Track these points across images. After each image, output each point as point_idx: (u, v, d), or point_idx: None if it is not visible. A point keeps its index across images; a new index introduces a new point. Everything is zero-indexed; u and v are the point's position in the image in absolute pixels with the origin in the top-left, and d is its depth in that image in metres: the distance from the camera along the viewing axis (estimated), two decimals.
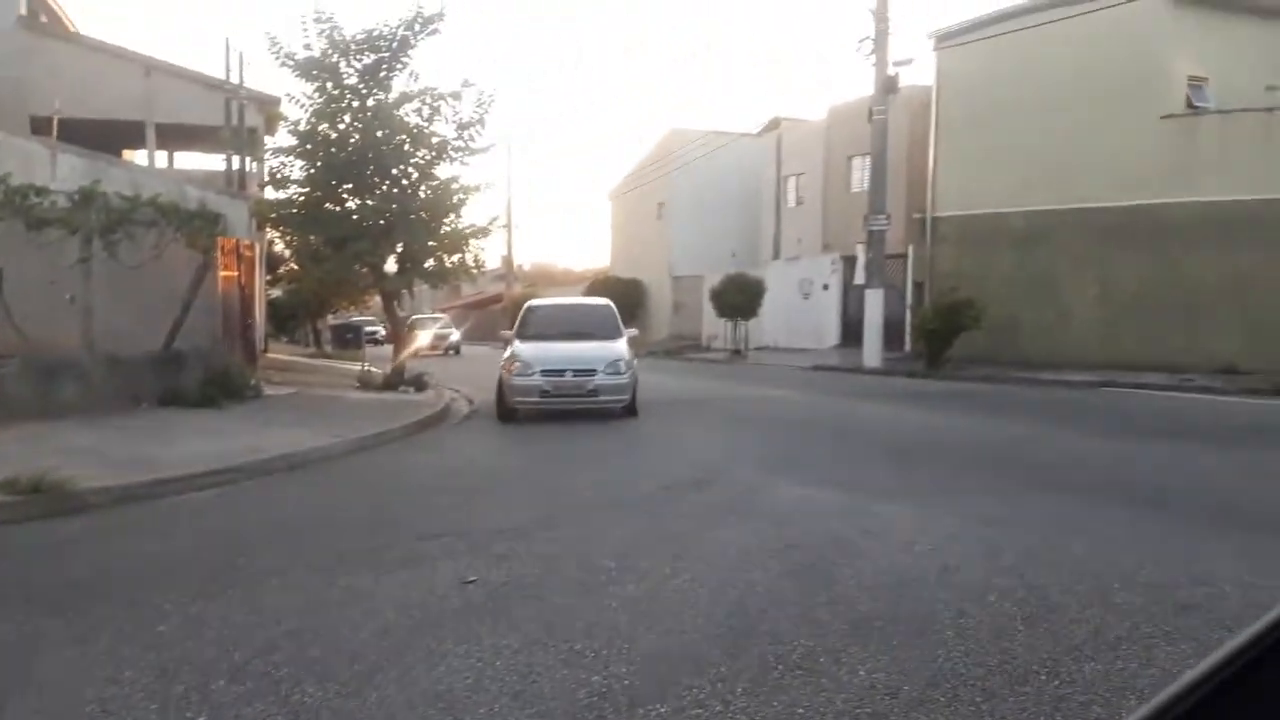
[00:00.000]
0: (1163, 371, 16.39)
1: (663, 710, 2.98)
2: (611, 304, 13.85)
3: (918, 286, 22.96)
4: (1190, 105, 18.90)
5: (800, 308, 29.33)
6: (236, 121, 22.40)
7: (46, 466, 6.52)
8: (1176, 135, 18.53)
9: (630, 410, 11.38)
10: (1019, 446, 8.93)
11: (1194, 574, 4.41)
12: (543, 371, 11.14)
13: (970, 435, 9.77)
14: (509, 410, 11.35)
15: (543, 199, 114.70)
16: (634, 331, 13.81)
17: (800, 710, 2.98)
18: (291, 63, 14.47)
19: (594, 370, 11.14)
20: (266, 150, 16.50)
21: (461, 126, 15.09)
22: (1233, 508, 5.96)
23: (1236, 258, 17.42)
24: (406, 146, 14.87)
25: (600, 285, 39.81)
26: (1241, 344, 16.86)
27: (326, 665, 3.39)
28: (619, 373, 11.26)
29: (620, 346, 11.97)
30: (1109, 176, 18.96)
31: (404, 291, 18.41)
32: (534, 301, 14.85)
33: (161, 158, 27.39)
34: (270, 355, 25.07)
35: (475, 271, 16.67)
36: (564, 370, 11.16)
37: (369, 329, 32.42)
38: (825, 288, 28.76)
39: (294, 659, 3.46)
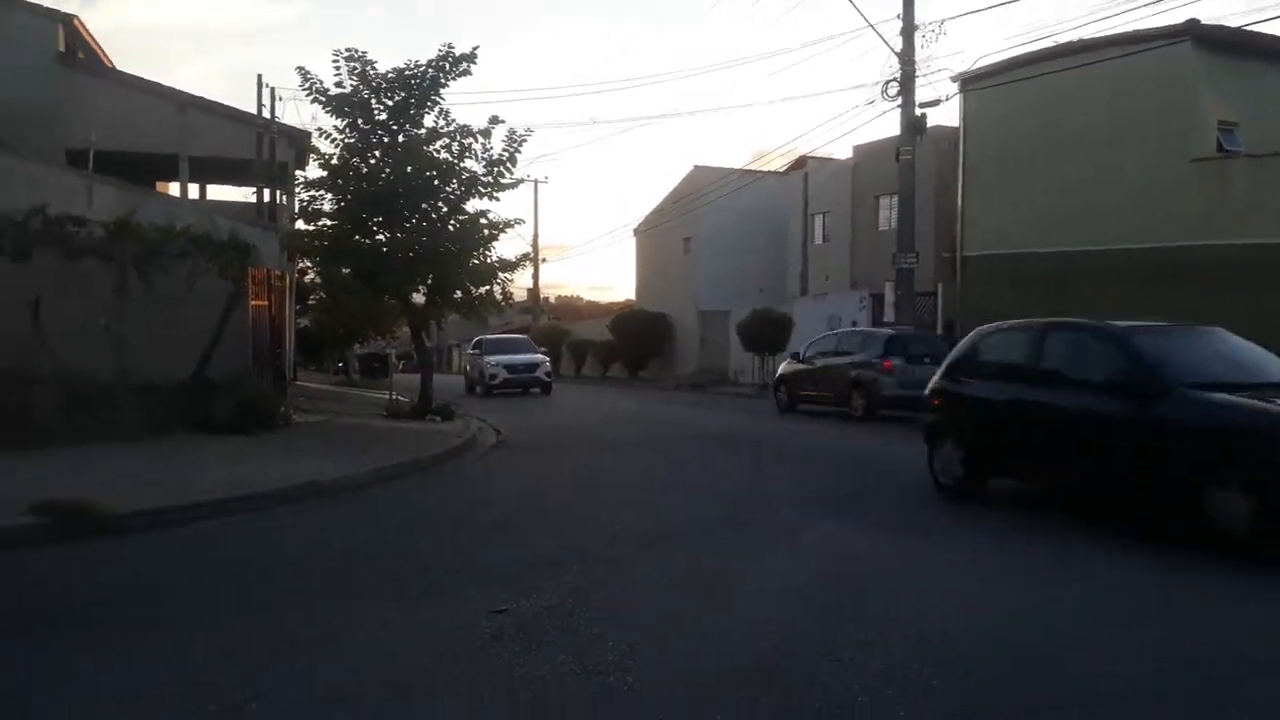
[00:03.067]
0: None
1: None
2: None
3: (948, 325, 22.83)
4: (1220, 149, 18.81)
5: None
6: (268, 155, 22.78)
7: (81, 490, 6.58)
8: (1207, 179, 18.43)
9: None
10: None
11: None
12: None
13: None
14: None
15: (570, 233, 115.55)
16: None
17: None
18: (323, 98, 14.70)
19: None
20: (297, 183, 16.71)
21: (491, 163, 15.24)
22: None
23: (1269, 301, 17.22)
24: (436, 182, 15.02)
25: (626, 319, 39.92)
26: None
27: (355, 693, 3.36)
28: None
29: None
30: (1139, 218, 18.87)
31: (433, 322, 18.52)
32: None
33: (194, 190, 27.86)
34: (299, 383, 25.25)
35: (503, 304, 16.74)
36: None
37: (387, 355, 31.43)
38: (854, 324, 28.68)
39: (326, 689, 3.43)
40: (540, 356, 25.56)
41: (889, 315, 21.98)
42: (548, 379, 24.95)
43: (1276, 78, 19.17)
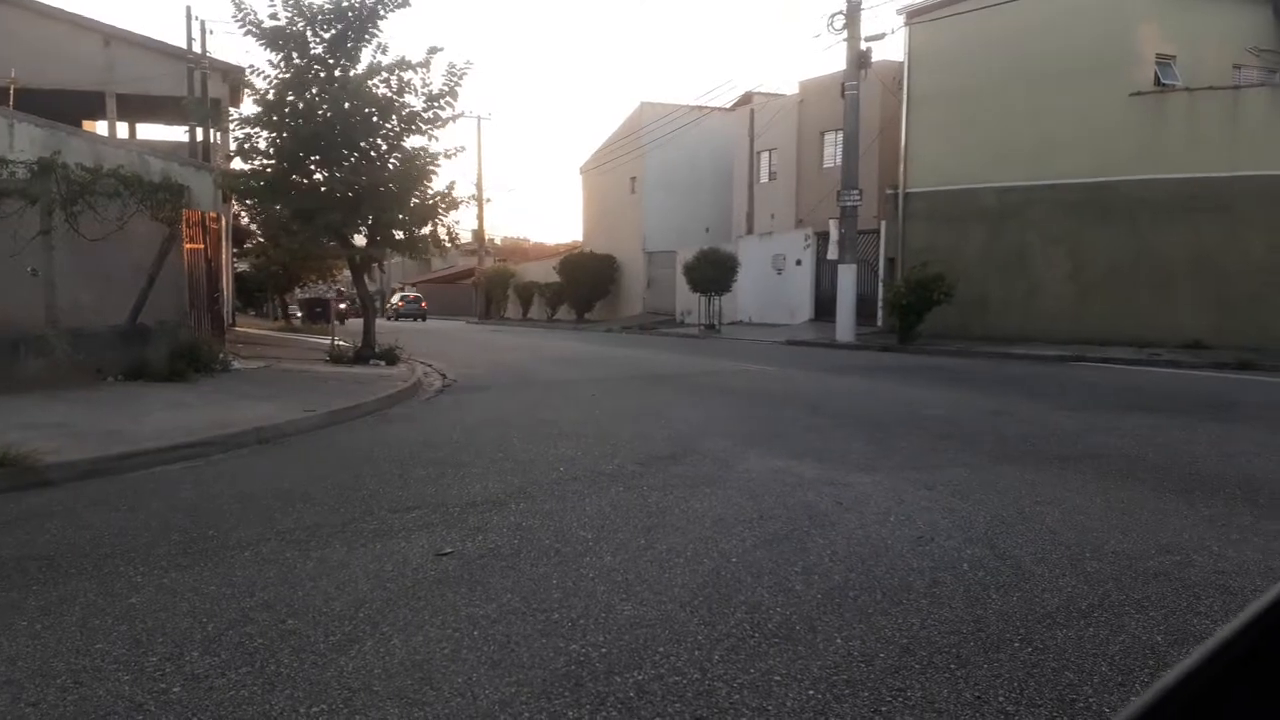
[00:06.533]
0: (1131, 346, 16.64)
1: (640, 677, 2.99)
2: None
3: (890, 262, 23.10)
4: (1158, 83, 19.07)
5: (774, 283, 29.46)
6: (200, 92, 22.04)
7: (11, 440, 6.42)
8: (1146, 112, 18.70)
9: None
10: (990, 419, 9.02)
11: (1162, 543, 4.49)
12: None
13: (942, 408, 9.86)
14: None
15: (514, 173, 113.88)
16: None
17: (777, 677, 2.99)
18: (257, 30, 14.19)
19: None
20: (232, 121, 16.20)
21: (431, 98, 14.90)
22: (1200, 479, 6.05)
23: (1203, 234, 17.69)
24: (375, 119, 14.67)
25: (573, 261, 39.70)
26: (1208, 319, 17.16)
27: (302, 636, 3.37)
28: None
29: None
30: (1081, 153, 19.13)
31: (375, 265, 18.23)
32: None
33: (123, 129, 26.94)
34: (238, 329, 24.82)
35: (447, 244, 16.52)
36: None
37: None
38: (798, 263, 28.88)
39: (269, 629, 3.43)
40: None
41: (833, 253, 22.15)
42: None
43: (1212, 10, 19.41)
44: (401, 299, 52.08)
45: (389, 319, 46.48)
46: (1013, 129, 20.06)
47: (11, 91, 19.98)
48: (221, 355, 13.18)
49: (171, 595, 3.83)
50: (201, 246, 14.17)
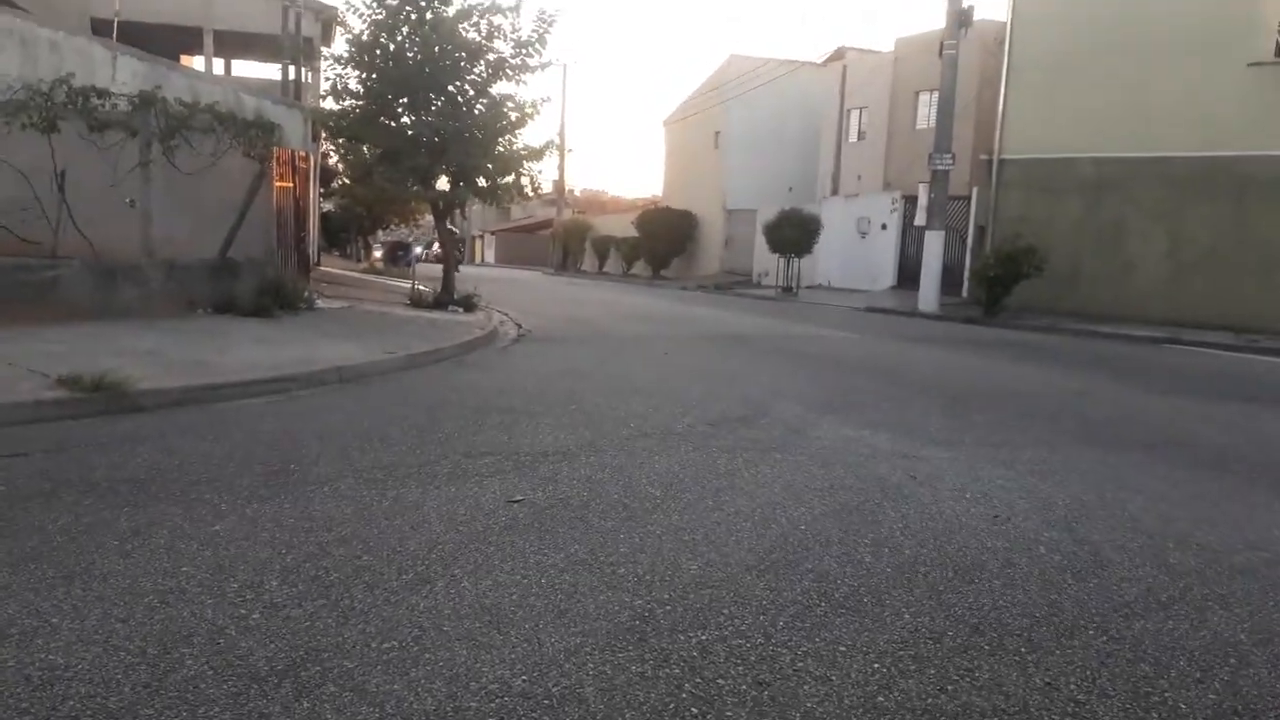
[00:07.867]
0: (1228, 331, 15.99)
1: (704, 637, 3.00)
2: None
3: (980, 230, 22.46)
4: None
5: (857, 247, 28.91)
6: (294, 30, 22.34)
7: (106, 366, 6.68)
8: (1263, 84, 17.72)
9: None
10: (1075, 399, 8.76)
11: (1250, 539, 4.32)
12: None
13: (1025, 385, 9.61)
14: None
15: (596, 124, 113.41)
16: None
17: (843, 648, 2.97)
18: None
19: None
20: (324, 60, 16.41)
21: (519, 45, 14.88)
22: None
23: None
24: (463, 63, 14.72)
25: (651, 216, 39.49)
26: None
27: (376, 572, 3.45)
28: None
29: None
30: (1188, 125, 18.27)
31: (456, 210, 18.39)
32: None
33: (219, 65, 27.50)
34: (322, 268, 25.38)
35: (530, 194, 16.57)
36: None
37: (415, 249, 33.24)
38: (884, 227, 28.25)
39: (344, 564, 3.52)
40: None
41: (921, 219, 21.61)
42: None
43: None
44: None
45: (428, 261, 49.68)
46: (1117, 98, 19.21)
47: (115, 25, 20.53)
48: (306, 293, 13.48)
49: (253, 525, 3.95)
50: (290, 185, 14.45)
